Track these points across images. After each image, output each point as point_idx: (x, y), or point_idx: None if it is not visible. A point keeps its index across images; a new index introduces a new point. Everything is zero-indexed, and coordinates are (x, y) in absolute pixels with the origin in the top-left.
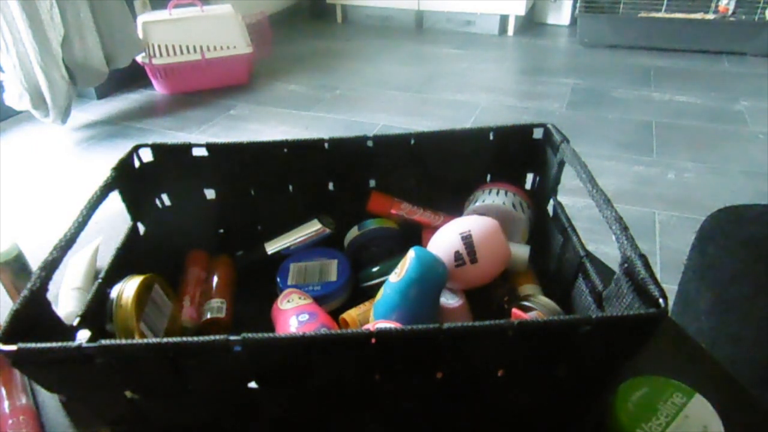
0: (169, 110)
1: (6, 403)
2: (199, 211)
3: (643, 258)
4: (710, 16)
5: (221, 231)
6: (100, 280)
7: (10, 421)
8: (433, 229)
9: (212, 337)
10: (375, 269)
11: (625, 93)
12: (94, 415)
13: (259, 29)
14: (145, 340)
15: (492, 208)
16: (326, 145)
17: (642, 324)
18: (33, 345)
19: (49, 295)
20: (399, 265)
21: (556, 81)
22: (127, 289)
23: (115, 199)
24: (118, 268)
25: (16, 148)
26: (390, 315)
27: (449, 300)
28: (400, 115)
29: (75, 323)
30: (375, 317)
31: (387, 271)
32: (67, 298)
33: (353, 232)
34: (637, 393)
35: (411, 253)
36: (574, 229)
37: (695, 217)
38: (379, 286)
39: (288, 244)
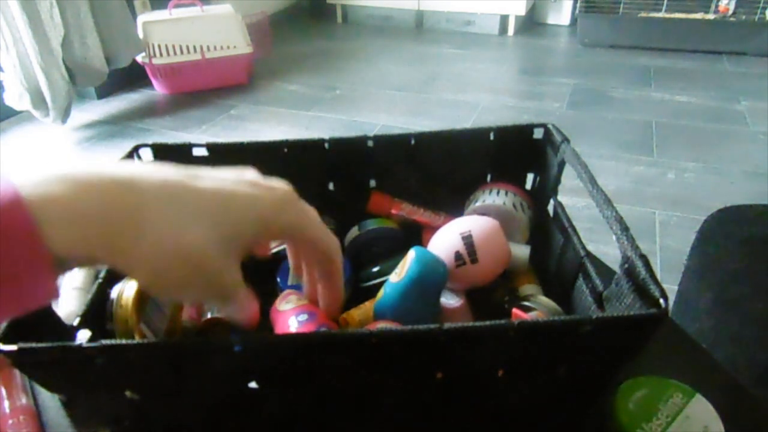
0: (169, 110)
1: (6, 403)
2: None
3: (644, 258)
4: (710, 16)
5: None
6: (100, 280)
7: (10, 421)
8: (434, 229)
9: (212, 337)
10: (375, 269)
11: (625, 93)
12: (94, 415)
13: (259, 29)
14: (145, 340)
15: (492, 208)
16: (326, 145)
17: (642, 324)
18: (33, 345)
19: None
20: (399, 266)
21: (556, 81)
22: (127, 289)
23: None
24: None
25: (16, 148)
26: (390, 315)
27: (449, 300)
28: (400, 115)
29: (75, 323)
30: (375, 317)
31: (387, 271)
32: (67, 298)
33: (353, 232)
34: (637, 393)
35: (411, 254)
36: (574, 229)
37: (695, 217)
38: (379, 286)
39: None
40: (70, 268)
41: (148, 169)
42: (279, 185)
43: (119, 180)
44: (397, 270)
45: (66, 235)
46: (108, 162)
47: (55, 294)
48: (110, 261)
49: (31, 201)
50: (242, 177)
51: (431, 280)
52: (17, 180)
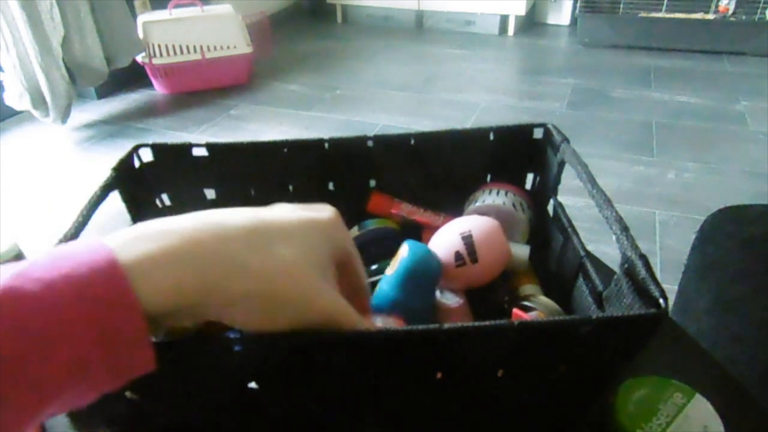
0: (169, 110)
1: None
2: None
3: (644, 258)
4: (710, 16)
5: None
6: None
7: None
8: (434, 229)
9: (212, 337)
10: (375, 269)
11: (625, 93)
12: (94, 415)
13: (259, 29)
14: None
15: (492, 208)
16: (326, 145)
17: (642, 324)
18: None
19: None
20: (393, 259)
21: (556, 81)
22: None
23: (115, 199)
24: None
25: (16, 148)
26: (386, 308)
27: (449, 300)
28: (400, 115)
29: None
30: (372, 312)
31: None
32: None
33: (353, 232)
34: (637, 393)
35: (404, 246)
36: (574, 229)
37: (695, 217)
38: (377, 284)
39: None
40: (164, 328)
41: (222, 212)
42: (326, 208)
43: (202, 225)
44: (391, 263)
45: (158, 287)
46: (179, 216)
47: (154, 363)
48: (206, 300)
49: (125, 263)
50: (285, 207)
51: (424, 270)
52: (108, 242)
